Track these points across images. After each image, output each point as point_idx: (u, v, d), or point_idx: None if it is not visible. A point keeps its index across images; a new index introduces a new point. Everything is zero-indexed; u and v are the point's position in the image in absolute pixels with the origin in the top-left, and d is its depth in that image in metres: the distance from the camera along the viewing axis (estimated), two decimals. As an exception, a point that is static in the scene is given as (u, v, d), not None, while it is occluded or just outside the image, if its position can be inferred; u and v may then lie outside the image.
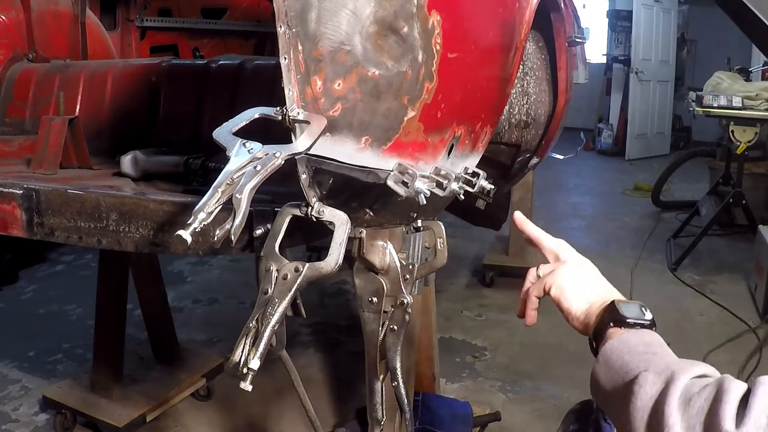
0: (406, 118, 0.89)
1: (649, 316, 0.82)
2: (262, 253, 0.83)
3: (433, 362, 2.11)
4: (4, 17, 2.01)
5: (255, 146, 0.76)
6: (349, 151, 0.83)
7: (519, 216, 1.01)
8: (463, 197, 0.97)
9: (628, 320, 0.81)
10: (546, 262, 0.99)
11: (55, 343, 2.95)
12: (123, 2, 2.64)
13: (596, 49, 8.78)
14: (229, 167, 0.74)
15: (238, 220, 0.71)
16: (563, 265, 0.94)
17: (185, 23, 2.90)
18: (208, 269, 3.95)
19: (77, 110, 1.83)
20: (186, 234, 0.69)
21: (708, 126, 6.79)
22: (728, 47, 7.64)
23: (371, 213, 1.03)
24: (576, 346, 2.84)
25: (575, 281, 0.92)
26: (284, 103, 0.77)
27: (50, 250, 4.11)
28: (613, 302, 0.84)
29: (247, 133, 0.79)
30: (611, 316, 0.83)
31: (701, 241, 4.06)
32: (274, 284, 0.81)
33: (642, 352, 0.76)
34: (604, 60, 8.69)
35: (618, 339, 0.79)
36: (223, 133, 0.79)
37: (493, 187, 1.03)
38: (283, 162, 0.75)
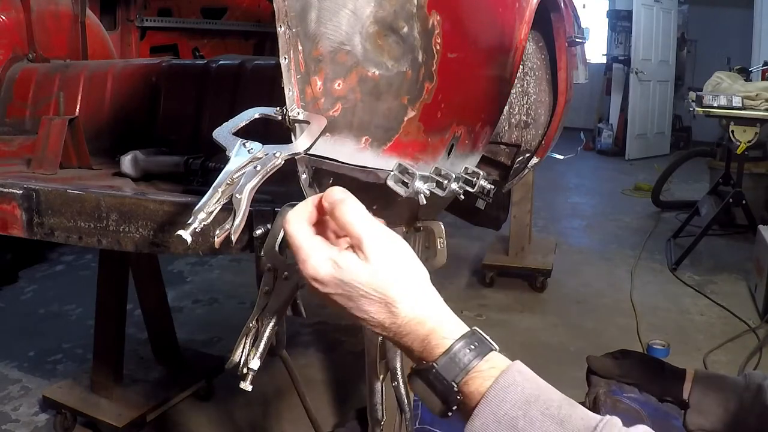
0: (406, 118, 0.89)
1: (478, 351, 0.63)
2: (262, 253, 0.83)
3: (433, 362, 2.11)
4: (4, 17, 2.01)
5: (255, 146, 0.76)
6: (349, 151, 0.83)
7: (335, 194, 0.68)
8: (463, 197, 0.97)
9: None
10: None
11: (55, 343, 2.95)
12: (123, 2, 2.65)
13: (596, 49, 8.78)
14: (229, 167, 0.74)
15: (238, 220, 0.71)
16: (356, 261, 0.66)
17: (185, 23, 2.90)
18: (208, 269, 3.95)
19: (77, 110, 1.83)
20: (186, 234, 0.69)
21: (708, 126, 6.79)
22: (728, 47, 7.67)
23: (371, 213, 1.03)
24: (576, 346, 2.84)
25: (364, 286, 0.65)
26: (284, 103, 0.77)
27: (50, 250, 4.11)
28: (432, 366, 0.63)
29: (247, 133, 0.79)
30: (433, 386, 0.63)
31: (701, 241, 4.06)
32: (274, 284, 0.81)
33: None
34: (604, 60, 8.70)
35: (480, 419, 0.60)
36: (223, 133, 0.79)
37: (493, 187, 1.03)
38: (283, 162, 0.75)
